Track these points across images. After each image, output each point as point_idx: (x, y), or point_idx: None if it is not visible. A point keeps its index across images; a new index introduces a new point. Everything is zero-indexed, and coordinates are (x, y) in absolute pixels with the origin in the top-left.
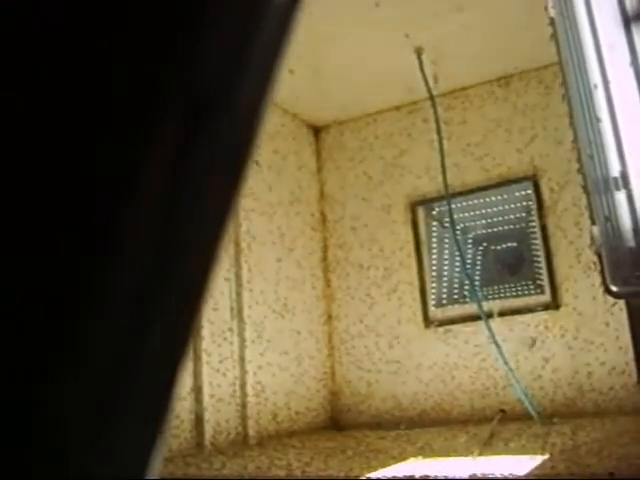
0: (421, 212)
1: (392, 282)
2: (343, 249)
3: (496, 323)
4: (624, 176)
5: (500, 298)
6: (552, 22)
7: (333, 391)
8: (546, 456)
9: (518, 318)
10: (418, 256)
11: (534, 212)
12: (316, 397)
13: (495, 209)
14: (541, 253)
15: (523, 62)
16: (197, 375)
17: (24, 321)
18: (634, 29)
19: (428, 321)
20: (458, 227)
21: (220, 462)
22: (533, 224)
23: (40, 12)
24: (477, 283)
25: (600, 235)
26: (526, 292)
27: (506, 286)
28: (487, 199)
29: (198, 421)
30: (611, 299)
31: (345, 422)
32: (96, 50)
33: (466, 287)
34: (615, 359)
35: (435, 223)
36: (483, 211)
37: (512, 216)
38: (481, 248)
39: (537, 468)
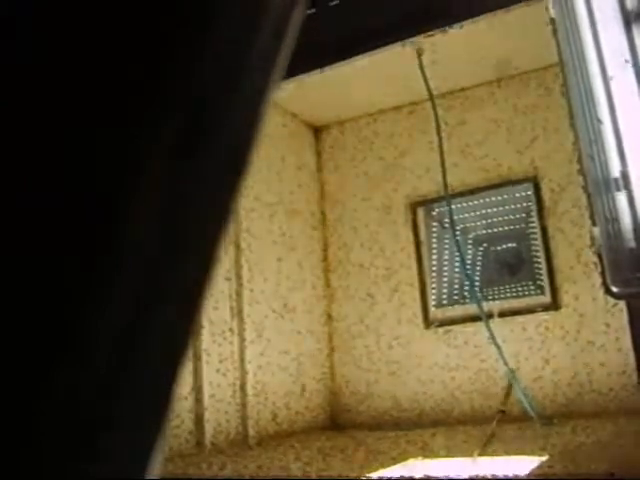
0: (421, 212)
1: (392, 282)
2: (343, 249)
3: (496, 324)
4: (625, 176)
5: (500, 299)
6: (552, 22)
7: (333, 391)
8: (546, 457)
9: (518, 319)
10: (418, 256)
11: (534, 213)
12: (316, 397)
13: (495, 210)
14: (541, 254)
15: (523, 63)
16: (197, 375)
17: (25, 321)
18: (635, 29)
19: (428, 321)
20: (458, 228)
21: (220, 462)
22: (533, 225)
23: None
24: (477, 284)
25: (601, 236)
26: (526, 293)
27: (506, 287)
28: (487, 200)
29: (198, 421)
30: (612, 300)
31: (345, 422)
32: (96, 49)
33: (466, 288)
34: (615, 360)
35: (435, 224)
36: (483, 212)
37: (512, 217)
38: (481, 249)
39: (537, 468)
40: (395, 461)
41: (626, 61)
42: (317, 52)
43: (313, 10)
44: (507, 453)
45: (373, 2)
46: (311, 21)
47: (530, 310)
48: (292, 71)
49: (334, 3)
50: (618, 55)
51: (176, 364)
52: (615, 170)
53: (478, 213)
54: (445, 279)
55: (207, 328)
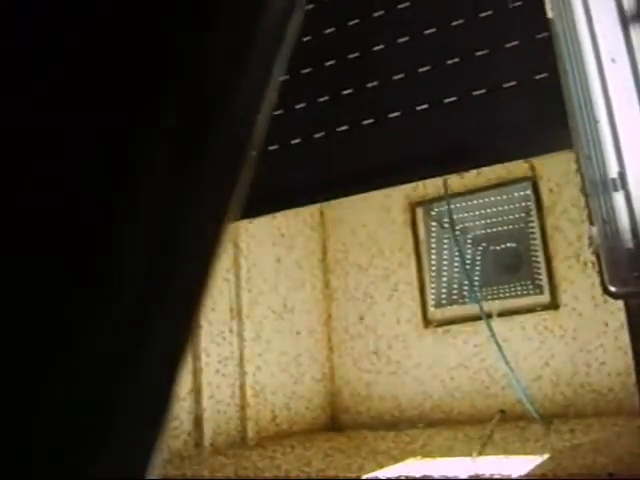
0: (420, 212)
1: (391, 282)
2: (342, 249)
3: (495, 323)
4: (622, 177)
5: (499, 298)
6: (551, 23)
7: (332, 392)
8: (545, 456)
9: (517, 318)
10: (417, 256)
11: (533, 212)
12: (315, 398)
13: (494, 209)
14: (540, 253)
15: None
16: (196, 376)
17: (25, 321)
18: (632, 30)
19: (427, 321)
20: (457, 227)
21: (219, 463)
22: (532, 224)
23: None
24: (476, 283)
25: (598, 236)
26: (525, 292)
27: (505, 286)
28: (486, 199)
29: (197, 422)
30: (610, 299)
31: (344, 422)
32: (97, 49)
33: (465, 287)
34: (614, 359)
35: (434, 223)
36: (482, 211)
37: (511, 216)
38: (480, 248)
39: (536, 468)
40: (394, 461)
41: (614, 60)
42: (323, 186)
43: (319, 135)
44: (506, 453)
45: (391, 139)
46: (317, 158)
47: (529, 310)
48: (311, 198)
49: (342, 128)
50: (615, 56)
51: (176, 364)
52: (612, 170)
53: (477, 213)
54: (444, 279)
55: (206, 329)
